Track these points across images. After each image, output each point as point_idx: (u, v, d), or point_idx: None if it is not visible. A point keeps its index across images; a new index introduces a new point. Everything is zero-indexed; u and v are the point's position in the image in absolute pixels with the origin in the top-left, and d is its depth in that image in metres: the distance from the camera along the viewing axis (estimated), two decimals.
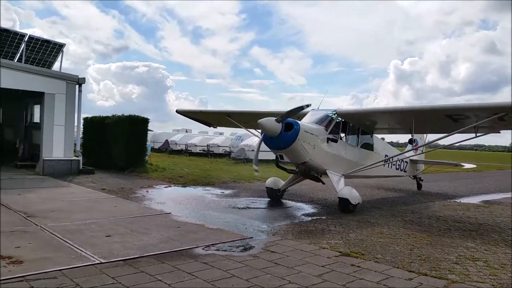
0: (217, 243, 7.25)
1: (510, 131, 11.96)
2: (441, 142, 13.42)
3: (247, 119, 15.20)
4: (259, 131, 10.86)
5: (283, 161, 11.56)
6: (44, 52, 21.88)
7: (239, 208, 11.33)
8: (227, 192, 14.46)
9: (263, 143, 11.18)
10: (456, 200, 15.31)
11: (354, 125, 12.91)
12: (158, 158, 27.55)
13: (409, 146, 14.97)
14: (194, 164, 26.00)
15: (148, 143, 21.97)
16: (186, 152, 38.75)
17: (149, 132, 21.97)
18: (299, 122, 10.83)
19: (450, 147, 15.88)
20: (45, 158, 17.01)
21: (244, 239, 7.72)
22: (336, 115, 12.08)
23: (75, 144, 18.52)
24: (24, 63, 20.02)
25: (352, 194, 11.10)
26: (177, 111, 18.14)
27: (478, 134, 11.23)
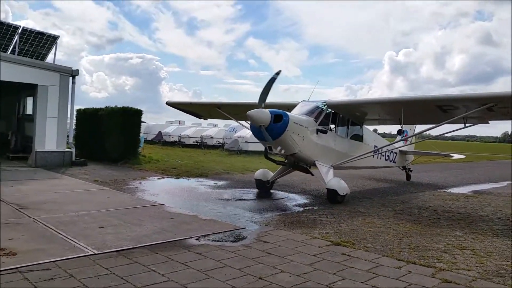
0: (210, 234, 7.34)
1: (502, 121, 12.05)
2: (430, 133, 13.56)
3: (237, 111, 15.08)
4: (250, 122, 10.83)
5: (272, 152, 11.54)
6: (37, 44, 21.68)
7: (232, 199, 11.42)
8: (220, 183, 14.54)
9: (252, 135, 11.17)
10: (446, 190, 15.52)
11: (344, 116, 12.93)
12: (151, 149, 27.53)
13: (399, 137, 15.07)
14: (188, 156, 26.02)
15: (141, 134, 21.94)
16: (179, 144, 38.71)
17: (142, 123, 21.95)
18: (288, 113, 10.80)
19: (441, 138, 16.07)
20: (38, 150, 16.95)
21: (236, 229, 7.82)
22: (326, 106, 12.08)
23: (68, 136, 18.46)
24: (18, 55, 19.84)
25: (340, 185, 11.14)
26: (167, 103, 18.09)
27: (467, 125, 11.31)
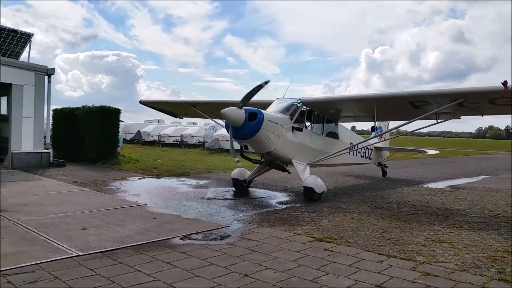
0: (194, 233, 7.36)
1: (476, 117, 12.44)
2: (404, 129, 13.83)
3: (213, 109, 14.87)
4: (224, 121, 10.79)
5: (247, 151, 11.49)
6: (10, 42, 21.12)
7: (214, 198, 11.44)
8: (202, 182, 14.53)
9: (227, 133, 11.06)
10: (423, 186, 15.89)
11: (319, 114, 12.99)
12: (130, 149, 27.27)
13: (374, 134, 15.29)
14: (168, 155, 25.87)
15: (120, 134, 21.70)
16: (159, 143, 38.42)
17: (120, 123, 21.70)
18: (263, 111, 10.74)
19: (417, 134, 16.45)
20: (14, 151, 16.61)
21: (220, 228, 7.86)
22: (301, 103, 12.09)
23: (44, 136, 18.13)
24: None
25: (316, 183, 11.13)
26: (141, 102, 17.83)
27: (439, 120, 11.51)
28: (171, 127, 40.91)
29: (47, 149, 17.98)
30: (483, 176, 20.66)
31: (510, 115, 11.88)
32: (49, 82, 17.84)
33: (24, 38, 21.62)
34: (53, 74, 17.99)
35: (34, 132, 17.19)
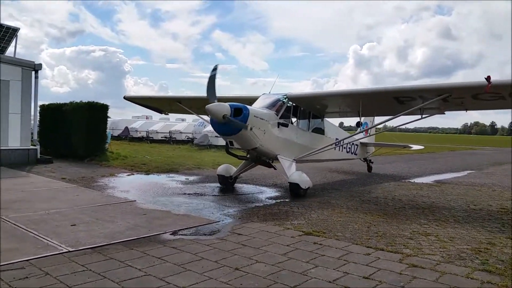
0: (184, 228, 7.40)
1: (462, 113, 12.56)
2: (390, 124, 13.94)
3: (199, 105, 14.63)
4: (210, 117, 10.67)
5: (233, 147, 11.40)
6: None
7: (204, 194, 11.47)
8: (191, 178, 14.55)
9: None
10: (410, 180, 16.12)
11: (305, 109, 12.99)
12: (118, 145, 27.10)
13: (359, 129, 15.38)
14: (157, 151, 25.80)
15: (108, 130, 21.56)
16: (147, 139, 38.28)
17: (108, 119, 21.54)
18: (248, 107, 10.69)
19: (404, 130, 16.64)
20: (1, 148, 16.40)
21: (210, 223, 7.91)
22: (287, 99, 12.07)
23: (32, 133, 17.95)
24: None
25: (302, 179, 11.11)
26: (125, 98, 17.61)
27: (423, 116, 11.57)
28: (159, 123, 40.77)
29: (34, 145, 17.82)
30: (468, 171, 21.02)
31: (495, 110, 12.10)
32: (36, 77, 17.67)
33: (10, 33, 21.28)
34: (40, 69, 17.82)
35: (21, 129, 17.04)
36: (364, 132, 16.75)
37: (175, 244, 6.44)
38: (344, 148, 15.81)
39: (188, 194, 11.29)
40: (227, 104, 10.27)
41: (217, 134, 28.09)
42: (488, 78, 9.11)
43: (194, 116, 37.39)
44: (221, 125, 10.44)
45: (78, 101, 20.41)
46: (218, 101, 10.37)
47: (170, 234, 7.02)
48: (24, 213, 8.14)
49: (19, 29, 21.40)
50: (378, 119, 16.56)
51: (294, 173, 11.27)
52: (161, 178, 14.54)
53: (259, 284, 4.85)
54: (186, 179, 14.34)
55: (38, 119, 19.45)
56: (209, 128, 30.07)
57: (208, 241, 6.66)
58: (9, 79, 16.64)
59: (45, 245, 6.18)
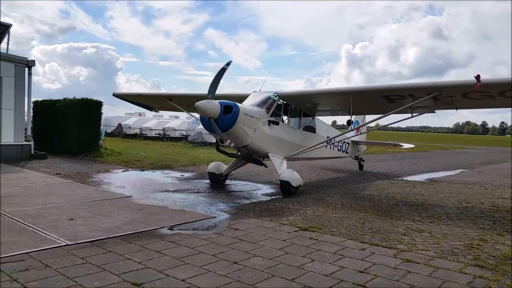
0: (182, 223, 7.47)
1: (454, 113, 12.66)
2: (380, 123, 14.02)
3: (189, 102, 14.37)
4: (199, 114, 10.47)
5: (223, 145, 11.29)
6: None
7: (199, 190, 11.54)
8: (186, 175, 14.60)
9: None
10: (403, 179, 16.29)
11: (296, 107, 12.97)
12: (111, 142, 27.07)
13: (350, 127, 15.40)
14: (151, 148, 25.79)
15: (101, 127, 21.54)
16: (140, 136, 38.21)
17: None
18: (238, 104, 10.63)
19: (397, 129, 16.73)
20: (0, 143, 16.33)
21: (207, 218, 7.99)
22: (277, 97, 12.02)
23: (25, 128, 17.89)
24: None
25: (293, 176, 11.05)
26: (114, 95, 17.44)
27: (414, 114, 11.53)
28: (152, 120, 40.73)
29: (28, 141, 17.77)
30: (460, 170, 21.26)
31: (486, 110, 12.25)
32: (30, 74, 17.60)
33: (2, 29, 21.16)
34: (34, 65, 17.78)
35: (14, 124, 16.98)
36: (355, 131, 16.81)
37: (173, 238, 6.50)
38: (335, 146, 15.81)
39: (184, 190, 11.35)
40: (216, 101, 10.15)
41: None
42: (477, 77, 9.15)
43: (194, 114, 37.53)
44: (210, 123, 10.22)
45: (71, 97, 20.38)
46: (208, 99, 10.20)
47: (168, 229, 7.08)
48: (20, 208, 8.16)
49: (11, 25, 21.29)
50: (369, 118, 16.68)
51: (285, 171, 11.22)
52: (156, 174, 14.57)
53: (257, 277, 4.94)
54: (181, 175, 14.39)
55: (31, 115, 19.36)
56: None
57: (205, 235, 6.74)
58: (2, 75, 16.56)
59: (44, 238, 6.22)
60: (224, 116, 10.17)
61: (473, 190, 13.58)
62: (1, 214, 7.56)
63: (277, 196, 10.85)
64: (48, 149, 19.02)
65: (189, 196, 10.44)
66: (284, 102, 12.31)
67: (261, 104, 11.68)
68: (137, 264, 5.24)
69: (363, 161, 18.93)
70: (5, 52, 19.72)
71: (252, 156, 12.06)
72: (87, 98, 19.85)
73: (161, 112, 40.63)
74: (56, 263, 5.17)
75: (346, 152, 17.09)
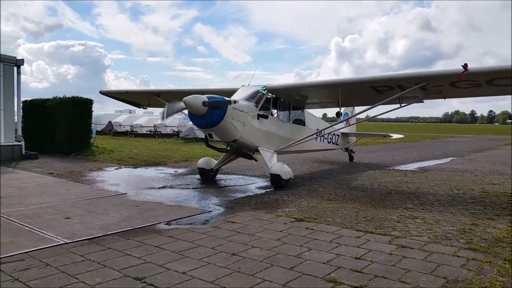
0: (178, 218, 7.53)
1: (443, 102, 12.74)
2: (369, 114, 14.05)
3: (178, 98, 13.94)
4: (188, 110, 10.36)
5: (212, 140, 11.27)
6: None
7: (194, 185, 11.58)
8: (180, 171, 14.62)
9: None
10: (394, 168, 16.48)
11: (285, 101, 12.98)
12: (102, 140, 26.91)
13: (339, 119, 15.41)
14: (142, 145, 25.70)
15: (92, 125, 21.41)
16: (131, 134, 38.02)
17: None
18: (227, 99, 10.56)
19: (387, 120, 16.80)
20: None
21: (204, 213, 8.05)
22: (266, 90, 12.00)
23: (16, 129, 17.73)
24: None
25: (283, 169, 11.03)
26: (101, 92, 17.29)
27: (402, 104, 11.57)
28: (143, 117, 40.50)
29: (19, 141, 17.62)
30: (450, 158, 21.55)
31: (475, 99, 12.36)
32: (19, 73, 17.43)
33: None
34: (22, 64, 17.61)
35: (4, 125, 16.80)
36: (344, 122, 16.85)
37: (170, 233, 6.56)
38: (325, 138, 15.82)
39: (178, 185, 11.38)
40: (204, 96, 10.04)
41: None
42: (465, 66, 9.24)
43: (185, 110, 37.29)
44: (199, 118, 10.23)
45: (61, 96, 20.21)
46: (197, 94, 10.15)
47: (165, 224, 7.13)
48: (15, 208, 8.14)
49: None
50: (358, 110, 16.73)
51: (275, 164, 11.21)
52: (149, 171, 14.57)
53: (257, 267, 5.02)
54: (174, 171, 14.40)
55: (21, 115, 19.18)
56: None
57: (203, 229, 6.80)
58: None
59: (41, 237, 6.23)
60: (212, 111, 10.11)
61: (463, 177, 13.80)
62: None
63: (272, 189, 10.92)
64: (39, 149, 18.87)
65: (184, 192, 10.49)
66: (273, 95, 12.31)
67: (250, 98, 11.65)
68: (137, 259, 5.30)
69: (353, 152, 19.02)
70: None
71: (242, 150, 12.03)
72: (77, 97, 19.69)
73: (151, 109, 40.48)
74: (56, 261, 5.20)
75: (336, 144, 17.15)
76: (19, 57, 17.48)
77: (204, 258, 5.33)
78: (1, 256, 5.32)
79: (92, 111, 20.31)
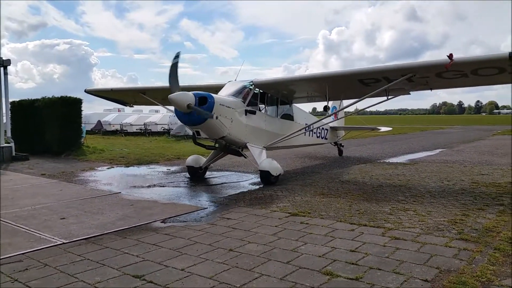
0: (174, 216, 7.58)
1: (430, 94, 12.84)
2: (359, 107, 14.07)
3: (164, 95, 13.39)
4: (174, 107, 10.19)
5: (200, 137, 11.10)
6: None
7: (187, 182, 11.63)
8: (173, 168, 14.65)
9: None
10: (385, 161, 16.68)
11: (273, 96, 12.95)
12: (92, 140, 26.74)
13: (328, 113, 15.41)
14: (133, 144, 25.64)
15: (82, 124, 21.29)
16: (121, 132, 37.83)
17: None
18: (213, 95, 10.45)
19: (376, 112, 16.87)
20: None
21: (199, 210, 8.11)
22: (253, 86, 11.94)
23: (5, 130, 17.57)
24: None
25: (272, 166, 10.98)
26: (86, 91, 17.09)
27: (389, 97, 11.62)
28: (133, 115, 40.31)
29: (9, 143, 17.46)
30: (439, 149, 21.84)
31: (462, 89, 12.44)
32: (6, 74, 17.27)
33: None
34: (9, 65, 17.47)
35: None
36: (333, 116, 16.84)
37: (167, 231, 6.61)
38: (314, 133, 15.78)
39: (172, 183, 11.42)
40: (190, 93, 9.91)
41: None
42: (450, 56, 9.27)
43: (170, 107, 37.19)
44: (186, 115, 10.05)
45: (50, 96, 20.08)
46: (182, 90, 10.04)
47: (161, 222, 7.18)
48: (10, 210, 8.13)
49: None
50: (346, 103, 16.76)
51: (264, 161, 11.15)
52: (142, 169, 14.56)
53: (254, 262, 5.10)
54: (167, 169, 14.43)
55: (10, 116, 18.98)
56: None
57: (199, 226, 6.87)
58: None
59: (38, 238, 6.25)
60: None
61: (453, 168, 14.03)
62: None
63: (265, 185, 11.00)
64: (29, 150, 18.71)
65: (178, 189, 10.53)
66: (260, 90, 12.27)
67: (237, 94, 11.57)
68: (135, 258, 5.35)
69: (342, 146, 19.03)
70: None
71: (230, 147, 11.96)
72: (66, 96, 19.57)
73: (141, 107, 40.34)
74: (54, 261, 5.23)
75: (325, 139, 17.15)
76: (2, 57, 17.25)
77: (202, 255, 5.40)
78: (0, 258, 5.34)
79: (81, 110, 20.21)
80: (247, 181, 11.77)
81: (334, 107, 18.00)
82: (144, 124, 37.21)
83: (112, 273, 4.83)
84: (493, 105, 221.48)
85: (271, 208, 8.13)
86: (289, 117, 13.77)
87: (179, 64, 10.52)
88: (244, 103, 11.49)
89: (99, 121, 40.44)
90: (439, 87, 11.88)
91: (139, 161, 16.56)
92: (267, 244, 5.80)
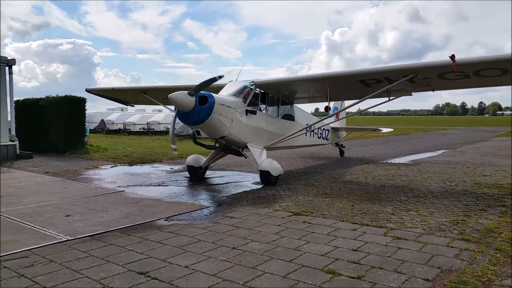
0: (178, 214, 7.64)
1: (433, 95, 12.81)
2: (361, 108, 14.02)
3: (166, 95, 13.42)
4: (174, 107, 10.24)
5: (200, 136, 11.09)
6: None
7: (191, 181, 11.70)
8: (176, 167, 14.73)
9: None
10: (387, 161, 16.70)
11: (274, 96, 12.92)
12: (95, 138, 26.88)
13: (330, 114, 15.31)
14: (136, 143, 25.73)
15: (86, 123, 21.40)
16: (124, 131, 37.94)
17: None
18: (214, 95, 10.43)
19: (378, 113, 16.83)
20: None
21: (202, 208, 8.18)
22: (254, 86, 11.92)
23: (10, 129, 17.69)
24: None
25: (272, 166, 10.95)
26: (87, 90, 17.15)
27: (391, 98, 11.59)
28: (136, 114, 40.42)
29: (13, 141, 17.58)
30: (442, 150, 21.83)
31: (465, 90, 12.39)
32: (11, 73, 17.37)
33: None
34: (14, 64, 17.56)
35: None
36: (334, 117, 16.70)
37: (171, 229, 6.68)
38: (315, 133, 15.72)
39: (175, 182, 11.50)
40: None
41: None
42: (452, 57, 9.20)
43: (172, 107, 37.29)
44: (186, 115, 10.04)
45: (53, 95, 20.23)
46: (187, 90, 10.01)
47: (165, 220, 7.25)
48: (15, 207, 8.21)
49: None
50: (347, 104, 16.63)
51: (264, 161, 11.12)
52: (145, 168, 14.65)
53: (257, 260, 5.16)
54: (171, 168, 14.51)
55: (14, 114, 19.13)
56: None
57: (202, 224, 6.93)
58: None
59: (43, 235, 6.32)
60: (199, 107, 9.95)
61: (455, 169, 14.04)
62: None
63: (265, 185, 11.04)
64: (33, 149, 18.85)
65: (181, 188, 10.60)
66: (261, 90, 12.26)
67: (238, 93, 11.56)
68: (139, 255, 5.41)
69: (344, 147, 18.95)
70: None
71: (230, 147, 11.95)
72: (70, 95, 19.71)
73: (144, 106, 40.44)
74: (60, 257, 5.30)
75: (327, 139, 17.09)
76: (7, 56, 17.37)
77: (205, 252, 5.46)
78: (5, 254, 5.41)
79: (85, 109, 20.32)
80: (250, 180, 11.83)
81: (336, 108, 17.97)
82: (147, 123, 37.31)
83: (117, 269, 4.89)
84: (496, 106, 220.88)
85: (274, 207, 8.18)
86: (290, 117, 13.77)
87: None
88: (245, 103, 11.50)
89: (102, 120, 40.58)
90: (441, 88, 11.79)
91: (142, 160, 16.65)
92: (270, 243, 5.86)
